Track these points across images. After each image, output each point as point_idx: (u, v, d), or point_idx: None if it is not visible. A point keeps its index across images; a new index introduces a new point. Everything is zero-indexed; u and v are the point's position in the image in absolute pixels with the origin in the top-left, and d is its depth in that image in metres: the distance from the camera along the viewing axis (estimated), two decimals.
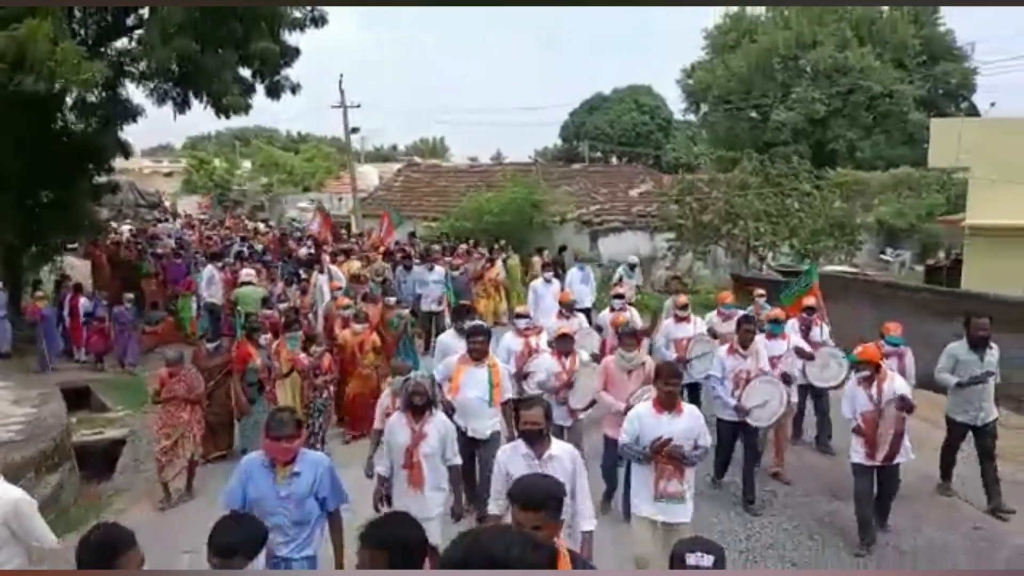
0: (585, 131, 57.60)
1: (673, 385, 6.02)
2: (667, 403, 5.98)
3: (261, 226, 28.60)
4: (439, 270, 15.20)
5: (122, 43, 16.43)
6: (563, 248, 19.36)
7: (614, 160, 53.10)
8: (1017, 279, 14.38)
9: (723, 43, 46.42)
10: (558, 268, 15.35)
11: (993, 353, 8.47)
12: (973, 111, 38.19)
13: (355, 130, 28.75)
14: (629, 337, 8.06)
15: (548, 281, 13.62)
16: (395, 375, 7.56)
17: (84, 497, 9.49)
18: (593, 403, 8.08)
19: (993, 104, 34.67)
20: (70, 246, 19.85)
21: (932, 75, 40.99)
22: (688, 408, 6.12)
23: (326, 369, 9.73)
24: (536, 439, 5.29)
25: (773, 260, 20.06)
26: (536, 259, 17.09)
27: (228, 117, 17.40)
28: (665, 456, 5.79)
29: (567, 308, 10.50)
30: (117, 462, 10.74)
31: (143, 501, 8.95)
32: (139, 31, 16.32)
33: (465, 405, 7.40)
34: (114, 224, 25.34)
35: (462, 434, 7.25)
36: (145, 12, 16.12)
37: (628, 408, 7.09)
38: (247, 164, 52.46)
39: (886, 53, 40.44)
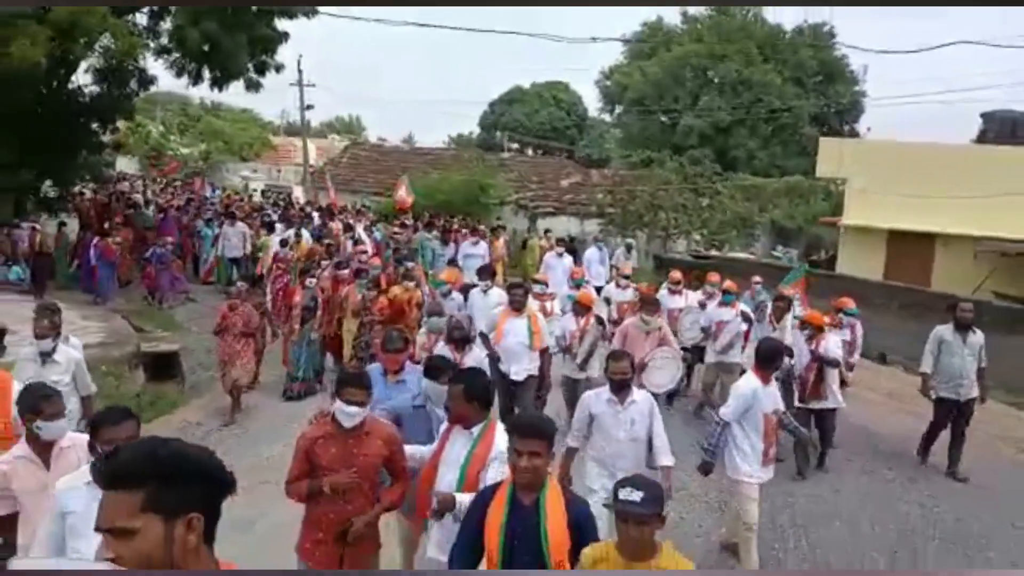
0: (504, 122, 59.99)
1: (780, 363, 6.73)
2: (769, 378, 6.47)
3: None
4: (483, 245, 16.58)
5: (141, 18, 18.50)
6: (573, 238, 21.65)
7: (529, 152, 55.97)
8: (878, 268, 18.18)
9: (640, 50, 49.33)
10: (572, 246, 17.19)
11: (977, 337, 9.07)
12: (854, 133, 42.33)
13: (310, 107, 30.93)
14: (651, 305, 9.23)
15: (560, 255, 15.41)
16: (430, 316, 8.99)
17: (163, 395, 11.74)
18: (591, 354, 9.12)
19: (869, 129, 38.65)
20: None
21: (826, 94, 44.03)
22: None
23: (378, 310, 11.04)
24: (622, 387, 5.95)
25: (690, 247, 23.49)
26: (544, 241, 19.09)
27: (222, 90, 19.68)
28: (777, 427, 6.39)
29: (576, 285, 11.81)
30: (171, 369, 13.04)
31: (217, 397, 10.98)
32: (154, 5, 18.40)
33: (508, 350, 8.40)
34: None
35: (503, 378, 8.35)
36: None
37: (642, 364, 8.18)
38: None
39: (786, 71, 43.06)
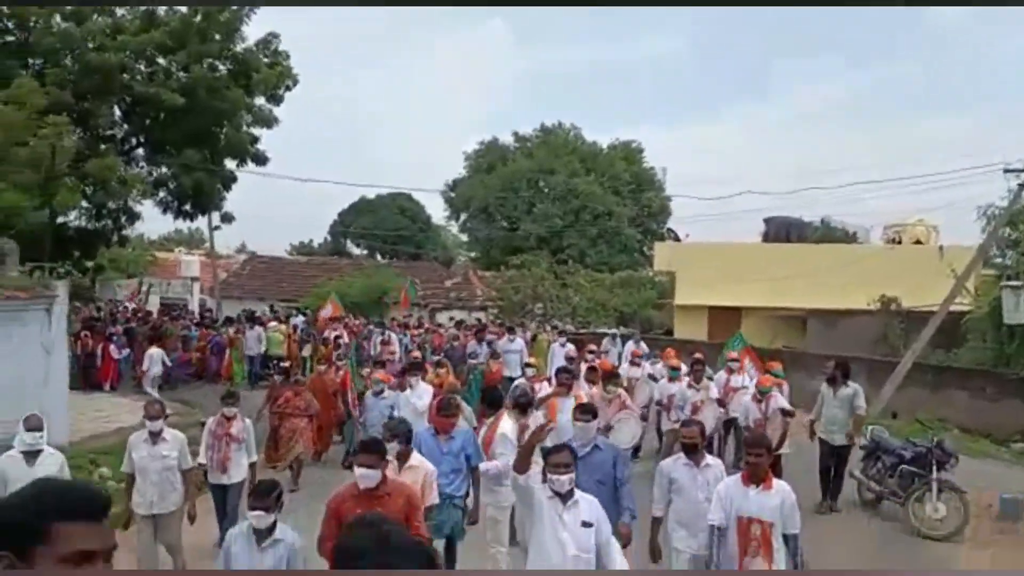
0: (353, 231, 64.36)
1: (756, 456, 5.76)
2: (754, 476, 5.73)
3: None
4: (519, 341, 18.44)
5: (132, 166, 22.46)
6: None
7: (379, 256, 60.73)
8: (703, 334, 24.95)
9: (480, 165, 55.73)
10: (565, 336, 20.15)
11: (848, 389, 10.36)
12: (676, 237, 49.60)
13: (217, 227, 34.51)
14: (613, 377, 10.66)
15: (562, 344, 17.93)
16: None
17: None
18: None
19: (688, 235, 45.72)
20: None
21: (639, 200, 50.33)
22: (779, 484, 5.81)
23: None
24: (693, 451, 6.24)
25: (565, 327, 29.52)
26: (546, 335, 22.16)
27: (194, 220, 23.96)
28: (746, 534, 5.63)
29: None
30: None
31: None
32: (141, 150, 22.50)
33: (562, 427, 8.35)
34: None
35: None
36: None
37: (607, 425, 9.17)
38: None
39: (605, 182, 48.79)
